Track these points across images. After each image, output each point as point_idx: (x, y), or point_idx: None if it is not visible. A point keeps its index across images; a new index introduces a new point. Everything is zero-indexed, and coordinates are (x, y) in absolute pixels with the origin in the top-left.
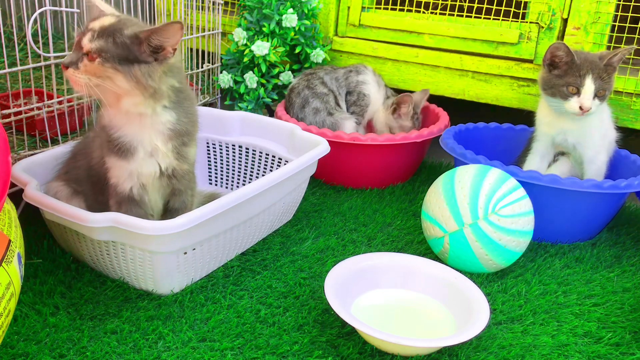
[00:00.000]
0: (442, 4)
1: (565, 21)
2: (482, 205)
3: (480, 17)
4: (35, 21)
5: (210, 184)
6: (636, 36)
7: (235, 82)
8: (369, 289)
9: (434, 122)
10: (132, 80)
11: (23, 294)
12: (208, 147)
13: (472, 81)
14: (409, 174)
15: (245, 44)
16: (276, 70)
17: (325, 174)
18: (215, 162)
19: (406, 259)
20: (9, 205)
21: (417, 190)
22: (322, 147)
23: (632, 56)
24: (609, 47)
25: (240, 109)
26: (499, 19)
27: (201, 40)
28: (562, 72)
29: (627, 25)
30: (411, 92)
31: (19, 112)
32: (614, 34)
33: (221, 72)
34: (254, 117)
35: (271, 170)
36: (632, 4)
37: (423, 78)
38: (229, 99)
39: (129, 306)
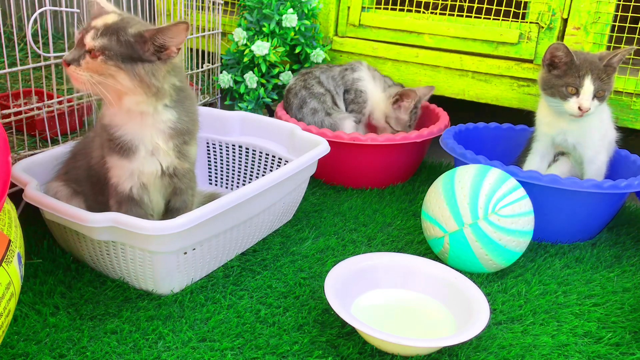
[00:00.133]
0: (442, 4)
1: (565, 21)
2: (482, 205)
3: (480, 17)
4: (35, 21)
5: (210, 184)
6: (636, 36)
7: (235, 82)
8: (369, 289)
9: (434, 122)
10: (135, 78)
11: (23, 294)
12: (208, 147)
13: (472, 81)
14: (409, 174)
15: (245, 44)
16: (276, 70)
17: (325, 174)
18: (215, 162)
19: (406, 259)
20: (9, 205)
21: (417, 190)
22: (322, 147)
23: (632, 56)
24: (609, 47)
25: (240, 109)
26: (499, 19)
27: (201, 40)
28: (562, 72)
29: (627, 25)
30: None
31: (19, 112)
32: (614, 34)
33: (221, 72)
34: (254, 117)
35: (271, 170)
36: (632, 4)
37: (423, 78)
38: (229, 99)
39: (129, 306)
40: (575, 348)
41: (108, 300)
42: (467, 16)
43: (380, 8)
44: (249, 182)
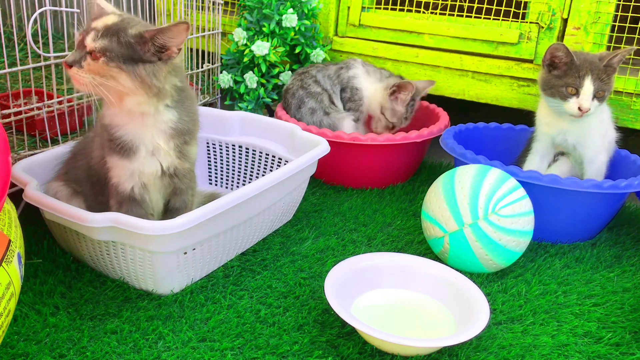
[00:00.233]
0: (442, 4)
1: (565, 21)
2: (482, 205)
3: (480, 17)
4: (35, 21)
5: (210, 184)
6: (636, 36)
7: (235, 82)
8: (369, 289)
9: (434, 122)
10: (136, 79)
11: (23, 294)
12: (208, 147)
13: (472, 81)
14: (409, 174)
15: (245, 44)
16: (276, 70)
17: (325, 174)
18: (215, 162)
19: (406, 259)
20: (9, 205)
21: (417, 190)
22: (322, 147)
23: (632, 56)
24: (609, 47)
25: (240, 109)
26: (499, 19)
27: (201, 40)
28: (562, 72)
29: (627, 25)
30: None
31: (19, 112)
32: (614, 34)
33: (221, 72)
34: (254, 117)
35: (271, 170)
36: (632, 4)
37: (423, 78)
38: (229, 99)
39: (129, 306)
40: (575, 348)
41: (108, 300)
42: (467, 16)
43: (380, 8)
44: (249, 182)
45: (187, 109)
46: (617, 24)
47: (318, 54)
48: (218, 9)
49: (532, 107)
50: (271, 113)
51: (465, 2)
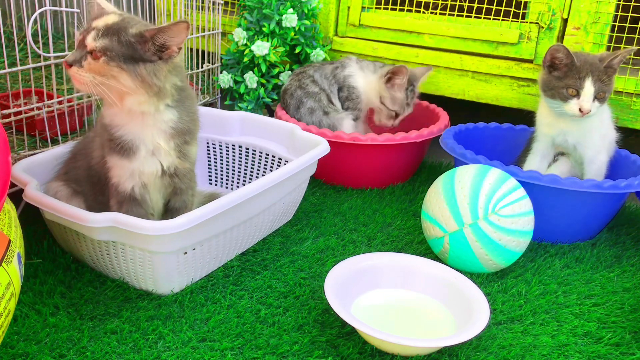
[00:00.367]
0: (442, 4)
1: (565, 21)
2: (482, 205)
3: (480, 17)
4: (35, 21)
5: (210, 184)
6: (636, 36)
7: (235, 82)
8: (369, 289)
9: (434, 122)
10: (137, 78)
11: (23, 294)
12: (208, 147)
13: (472, 81)
14: (409, 174)
15: (245, 44)
16: (276, 70)
17: (325, 174)
18: (215, 162)
19: (406, 259)
20: (9, 205)
21: (417, 190)
22: (322, 147)
23: (632, 56)
24: (609, 48)
25: (240, 109)
26: (499, 19)
27: (201, 40)
28: (562, 74)
29: (627, 25)
30: None
31: (19, 112)
32: (614, 34)
33: (221, 72)
34: (254, 117)
35: (271, 170)
36: (632, 4)
37: None
38: (229, 99)
39: (129, 306)
40: (575, 348)
41: (108, 300)
42: (467, 16)
43: (380, 8)
44: (249, 182)
45: (187, 108)
46: (617, 24)
47: (318, 54)
48: (218, 9)
49: (532, 107)
50: (271, 113)
51: (465, 2)
